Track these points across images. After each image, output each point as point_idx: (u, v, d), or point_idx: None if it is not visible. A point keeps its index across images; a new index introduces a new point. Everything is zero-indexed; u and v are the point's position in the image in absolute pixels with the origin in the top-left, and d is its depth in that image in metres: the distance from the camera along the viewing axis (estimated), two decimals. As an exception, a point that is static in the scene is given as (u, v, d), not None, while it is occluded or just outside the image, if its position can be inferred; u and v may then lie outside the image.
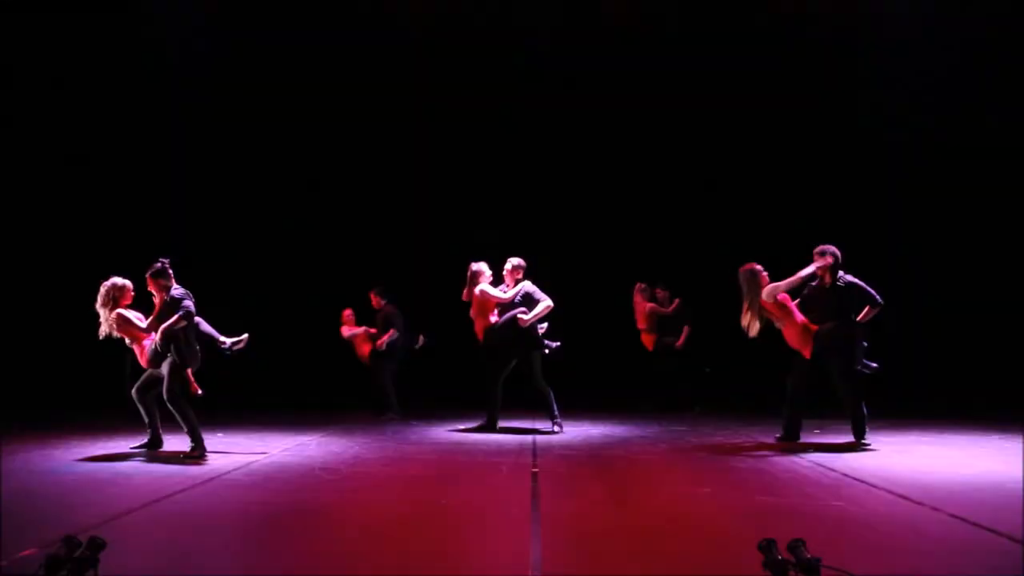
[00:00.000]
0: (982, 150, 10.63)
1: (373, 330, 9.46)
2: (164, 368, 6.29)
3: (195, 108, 11.13)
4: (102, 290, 6.52)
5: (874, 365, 6.60)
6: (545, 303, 7.69)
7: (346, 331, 9.68)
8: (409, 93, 11.50)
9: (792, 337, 6.62)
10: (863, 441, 6.50)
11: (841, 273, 6.65)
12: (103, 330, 6.53)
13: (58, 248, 10.67)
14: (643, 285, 9.90)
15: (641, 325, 9.84)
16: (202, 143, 11.30)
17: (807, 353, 6.55)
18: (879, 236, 10.92)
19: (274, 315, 11.38)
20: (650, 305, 9.81)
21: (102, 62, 10.61)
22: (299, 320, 11.19)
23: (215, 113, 11.23)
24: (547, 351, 7.77)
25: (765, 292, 6.58)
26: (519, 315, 7.65)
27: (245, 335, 6.75)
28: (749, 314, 6.70)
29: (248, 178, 11.63)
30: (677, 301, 9.89)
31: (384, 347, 9.17)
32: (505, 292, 7.84)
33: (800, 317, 6.62)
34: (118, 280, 6.56)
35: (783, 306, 6.61)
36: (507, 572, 3.24)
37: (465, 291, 7.93)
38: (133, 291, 6.61)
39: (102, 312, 6.51)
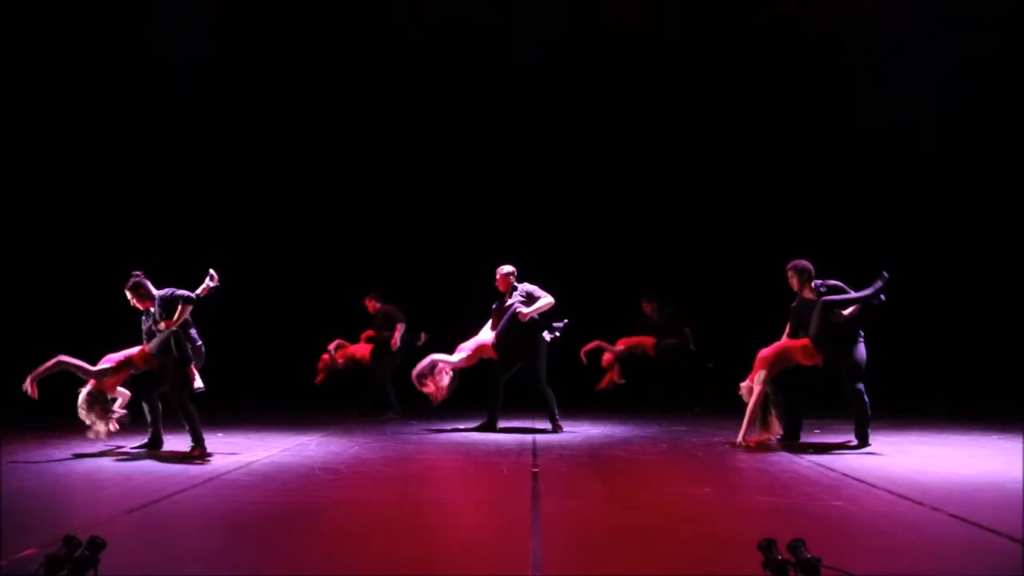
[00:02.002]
0: (983, 149, 10.64)
1: (367, 346, 9.41)
2: (172, 369, 6.31)
3: (193, 109, 11.12)
4: (93, 413, 6.18)
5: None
6: (545, 299, 7.66)
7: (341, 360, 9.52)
8: (405, 94, 11.50)
9: (803, 359, 6.59)
10: (865, 444, 6.49)
11: (818, 282, 6.65)
12: (114, 426, 6.27)
13: (58, 248, 10.67)
14: (598, 343, 9.53)
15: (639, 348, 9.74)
16: (200, 144, 11.28)
17: (820, 362, 6.55)
18: (879, 236, 10.92)
19: (273, 315, 11.40)
20: (619, 348, 9.57)
21: (101, 62, 10.61)
22: (298, 320, 11.19)
23: (213, 114, 11.22)
24: (557, 333, 7.73)
25: (763, 376, 6.50)
26: (518, 309, 7.64)
27: (210, 270, 6.56)
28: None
29: (247, 179, 11.62)
30: (649, 309, 9.77)
31: (399, 343, 9.08)
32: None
33: (795, 342, 6.61)
34: (88, 409, 6.20)
35: (777, 355, 6.56)
36: (507, 572, 3.24)
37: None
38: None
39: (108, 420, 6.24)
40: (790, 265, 6.76)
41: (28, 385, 6.09)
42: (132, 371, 6.47)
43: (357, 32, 11.18)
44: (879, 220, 11.03)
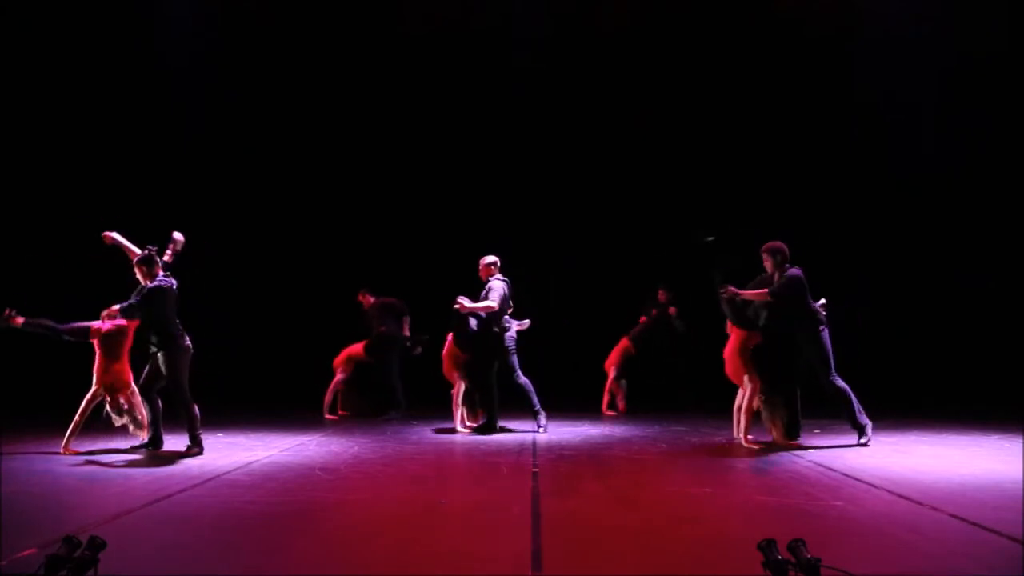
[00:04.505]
0: (983, 148, 10.64)
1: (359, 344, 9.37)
2: (164, 366, 6.30)
3: (190, 110, 11.12)
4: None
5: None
6: (487, 303, 7.58)
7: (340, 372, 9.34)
8: (400, 94, 11.51)
9: (748, 342, 6.63)
10: (864, 437, 6.42)
11: (788, 267, 6.54)
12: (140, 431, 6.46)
13: (56, 247, 10.65)
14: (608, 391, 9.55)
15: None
16: (197, 144, 11.27)
17: (759, 337, 6.57)
18: (879, 236, 10.93)
19: (272, 316, 11.40)
20: (613, 372, 9.51)
21: (100, 60, 10.62)
22: (297, 320, 11.19)
23: (210, 114, 11.22)
24: (509, 330, 7.74)
25: (746, 379, 6.57)
26: (458, 300, 7.60)
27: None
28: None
29: (245, 179, 11.62)
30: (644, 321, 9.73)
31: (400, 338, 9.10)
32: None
33: (734, 338, 6.67)
34: (117, 414, 6.36)
35: (735, 356, 6.63)
36: (507, 572, 3.24)
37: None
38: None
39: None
40: (765, 247, 6.65)
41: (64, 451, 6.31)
42: (116, 344, 6.39)
43: (354, 31, 11.21)
44: (879, 220, 11.03)
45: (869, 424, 6.50)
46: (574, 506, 4.50)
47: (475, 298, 7.75)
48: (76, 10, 10.43)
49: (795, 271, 6.53)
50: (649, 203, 11.63)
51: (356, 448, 6.67)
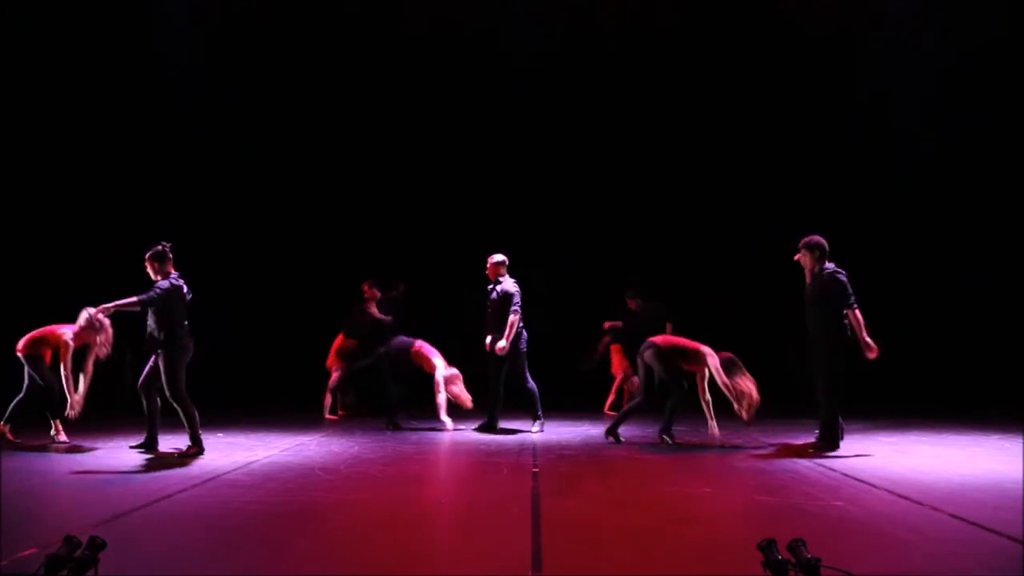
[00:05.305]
0: (983, 148, 10.64)
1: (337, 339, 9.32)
2: (161, 364, 6.28)
3: (190, 110, 11.12)
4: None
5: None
6: (513, 317, 7.61)
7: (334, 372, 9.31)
8: (400, 94, 11.51)
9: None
10: (830, 447, 6.26)
11: (828, 264, 6.36)
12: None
13: (56, 246, 10.65)
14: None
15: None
16: (195, 143, 11.27)
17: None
18: (879, 236, 10.92)
19: (271, 316, 11.39)
20: (619, 374, 9.49)
21: (100, 59, 10.62)
22: (297, 321, 11.18)
23: (209, 113, 11.22)
24: None
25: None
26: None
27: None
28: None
29: (242, 179, 11.61)
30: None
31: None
32: None
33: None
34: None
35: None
36: (507, 572, 3.24)
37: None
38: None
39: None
40: (803, 242, 6.40)
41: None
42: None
43: (354, 31, 11.21)
44: (881, 219, 11.02)
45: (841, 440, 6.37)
46: (574, 506, 4.50)
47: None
48: (76, 10, 10.43)
49: (839, 272, 6.34)
50: (649, 203, 11.62)
51: (356, 448, 6.66)
